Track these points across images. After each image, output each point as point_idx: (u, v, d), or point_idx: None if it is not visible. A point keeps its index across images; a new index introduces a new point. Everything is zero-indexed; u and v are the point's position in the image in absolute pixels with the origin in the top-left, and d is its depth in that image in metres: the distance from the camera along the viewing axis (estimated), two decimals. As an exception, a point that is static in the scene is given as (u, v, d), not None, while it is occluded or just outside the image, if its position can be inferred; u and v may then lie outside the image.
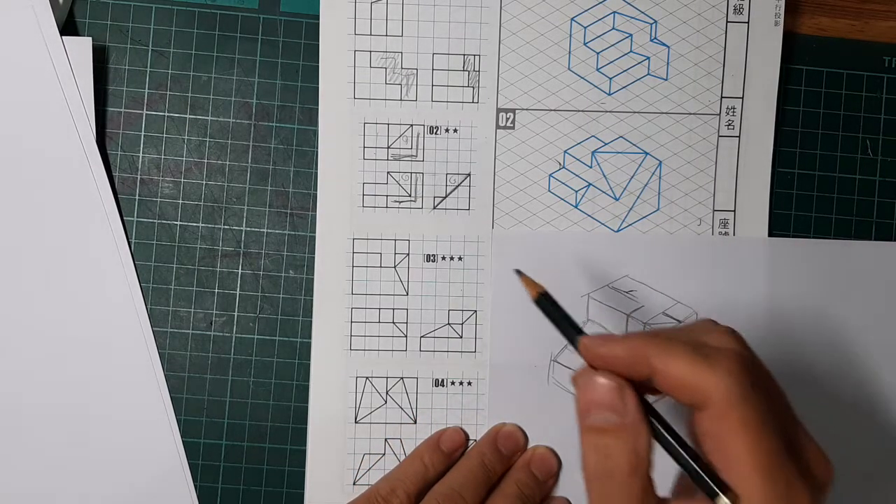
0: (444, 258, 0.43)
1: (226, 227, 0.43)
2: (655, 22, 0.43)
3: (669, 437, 0.30)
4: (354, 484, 0.42)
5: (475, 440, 0.43)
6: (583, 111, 0.43)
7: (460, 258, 0.43)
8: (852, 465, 0.44)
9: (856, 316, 0.44)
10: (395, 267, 0.43)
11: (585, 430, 0.30)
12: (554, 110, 0.43)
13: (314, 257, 0.43)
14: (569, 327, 0.33)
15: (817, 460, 0.30)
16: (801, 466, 0.29)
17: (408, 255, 0.43)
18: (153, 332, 0.42)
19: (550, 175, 0.43)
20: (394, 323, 0.43)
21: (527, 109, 0.43)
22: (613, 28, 0.43)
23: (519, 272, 0.35)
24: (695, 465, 0.30)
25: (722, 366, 0.28)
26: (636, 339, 0.30)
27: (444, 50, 0.43)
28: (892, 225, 0.45)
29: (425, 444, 0.42)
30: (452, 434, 0.42)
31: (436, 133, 0.43)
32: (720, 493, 0.28)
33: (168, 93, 0.43)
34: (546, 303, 0.34)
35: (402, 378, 0.43)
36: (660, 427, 0.31)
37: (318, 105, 0.43)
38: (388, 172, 0.43)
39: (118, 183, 0.43)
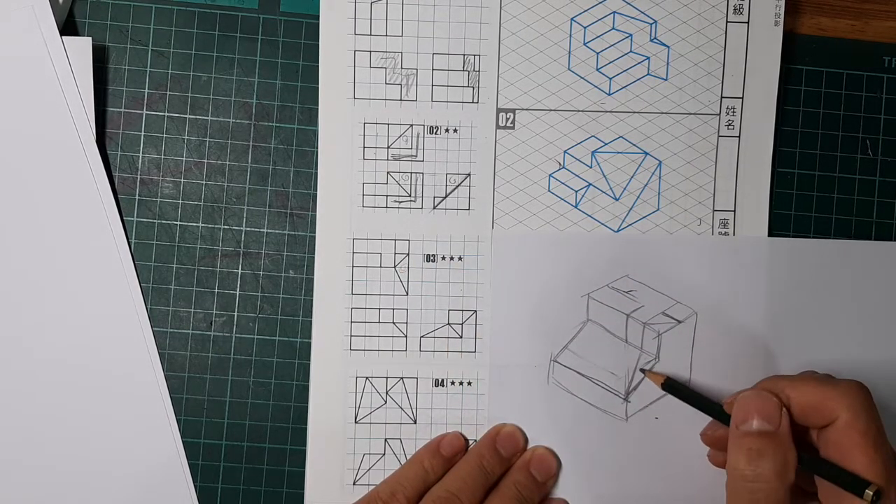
0: (444, 258, 0.43)
1: (226, 227, 0.43)
2: (655, 22, 0.43)
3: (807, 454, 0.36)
4: (354, 484, 0.42)
5: (475, 440, 0.43)
6: (583, 111, 0.43)
7: (460, 258, 0.43)
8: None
9: (856, 316, 0.44)
10: (395, 267, 0.43)
11: (741, 434, 0.36)
12: (554, 110, 0.43)
13: (314, 257, 0.43)
14: (706, 404, 0.40)
15: None
16: None
17: (408, 255, 0.43)
18: (153, 332, 0.42)
19: (550, 175, 0.43)
20: (394, 323, 0.43)
21: (527, 109, 0.43)
22: (613, 28, 0.43)
23: (643, 370, 0.42)
24: (842, 469, 0.35)
25: (845, 387, 0.35)
26: (770, 379, 0.37)
27: (444, 50, 0.43)
28: (892, 225, 0.45)
29: (425, 449, 0.42)
30: (452, 439, 0.42)
31: (436, 133, 0.43)
32: (868, 485, 0.34)
33: (168, 93, 0.43)
34: (674, 387, 0.40)
35: (402, 378, 0.43)
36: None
37: (318, 105, 0.43)
38: (388, 172, 0.43)
39: (118, 183, 0.43)
